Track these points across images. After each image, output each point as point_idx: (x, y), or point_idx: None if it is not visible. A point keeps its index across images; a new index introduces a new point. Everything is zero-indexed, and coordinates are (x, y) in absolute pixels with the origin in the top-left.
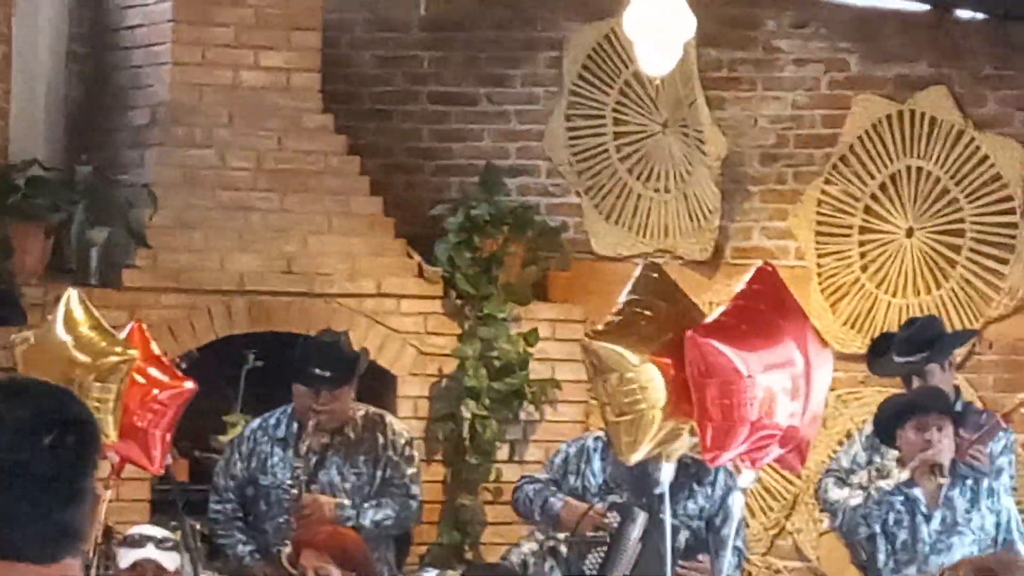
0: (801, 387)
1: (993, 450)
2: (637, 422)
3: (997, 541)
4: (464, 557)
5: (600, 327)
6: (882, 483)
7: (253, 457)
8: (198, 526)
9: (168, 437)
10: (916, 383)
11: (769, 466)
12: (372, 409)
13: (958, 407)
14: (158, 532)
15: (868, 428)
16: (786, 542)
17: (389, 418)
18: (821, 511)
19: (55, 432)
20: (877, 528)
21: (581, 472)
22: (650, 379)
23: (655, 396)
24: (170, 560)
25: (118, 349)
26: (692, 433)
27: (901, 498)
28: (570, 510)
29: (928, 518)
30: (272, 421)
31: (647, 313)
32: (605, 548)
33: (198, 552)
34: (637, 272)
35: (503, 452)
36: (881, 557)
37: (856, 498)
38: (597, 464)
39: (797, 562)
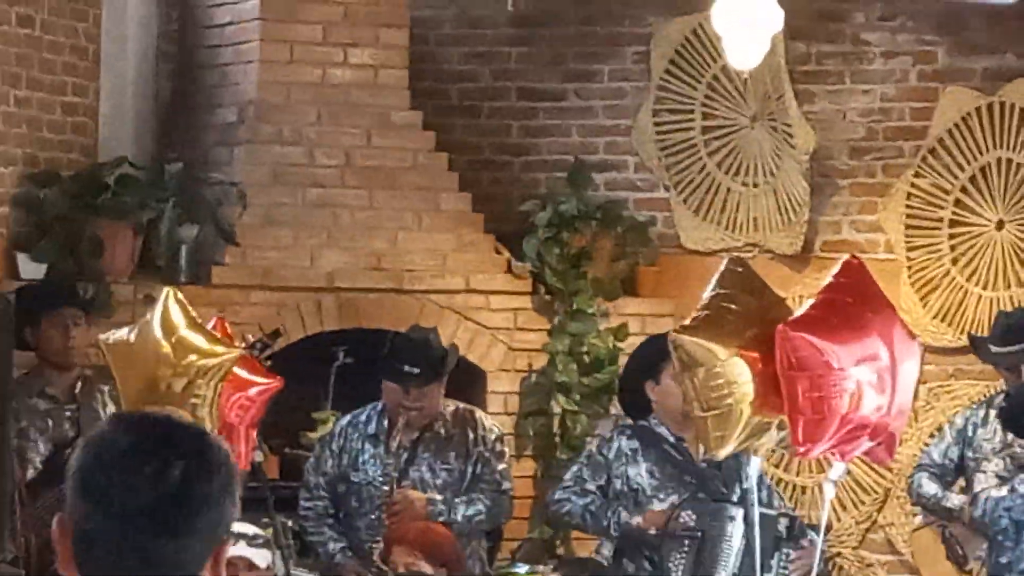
0: (887, 380)
1: None
2: (725, 417)
3: None
4: (555, 552)
5: (687, 322)
6: None
7: (344, 454)
8: (289, 523)
9: (253, 433)
10: (1007, 377)
11: (861, 460)
12: (462, 405)
13: None
14: (249, 529)
15: (959, 421)
16: (878, 536)
17: (479, 414)
18: (913, 505)
19: (158, 462)
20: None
21: (624, 475)
22: (738, 374)
23: (743, 391)
24: (261, 557)
25: (220, 348)
26: (780, 427)
27: None
28: (651, 518)
29: None
30: (363, 418)
31: (733, 307)
32: (687, 548)
33: (289, 549)
34: (722, 267)
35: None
36: (1010, 545)
37: (997, 490)
38: (643, 465)
39: (889, 556)
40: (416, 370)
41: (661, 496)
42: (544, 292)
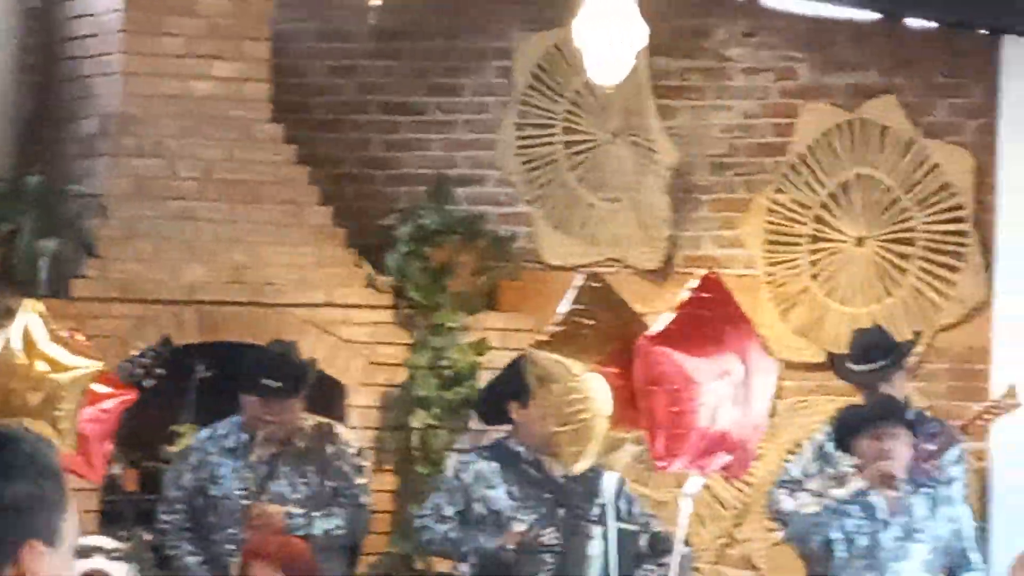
0: (742, 395)
1: (946, 460)
2: (581, 432)
3: (953, 549)
4: (414, 567)
5: (542, 337)
6: (838, 492)
7: (202, 468)
8: (147, 536)
9: (109, 445)
10: (884, 390)
11: (718, 475)
12: (321, 419)
13: (910, 416)
14: (107, 542)
15: (819, 438)
16: (736, 552)
17: (338, 428)
18: (772, 520)
19: None
20: (834, 535)
21: (484, 498)
22: (593, 388)
23: (598, 406)
24: (119, 570)
25: (80, 361)
26: (636, 442)
27: (858, 506)
28: (510, 537)
29: (887, 525)
30: (221, 431)
31: (589, 323)
32: (550, 566)
33: (147, 562)
34: (578, 282)
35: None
36: (837, 564)
37: (810, 506)
38: (501, 488)
39: (747, 572)
40: (276, 384)
41: (521, 515)
42: (405, 306)
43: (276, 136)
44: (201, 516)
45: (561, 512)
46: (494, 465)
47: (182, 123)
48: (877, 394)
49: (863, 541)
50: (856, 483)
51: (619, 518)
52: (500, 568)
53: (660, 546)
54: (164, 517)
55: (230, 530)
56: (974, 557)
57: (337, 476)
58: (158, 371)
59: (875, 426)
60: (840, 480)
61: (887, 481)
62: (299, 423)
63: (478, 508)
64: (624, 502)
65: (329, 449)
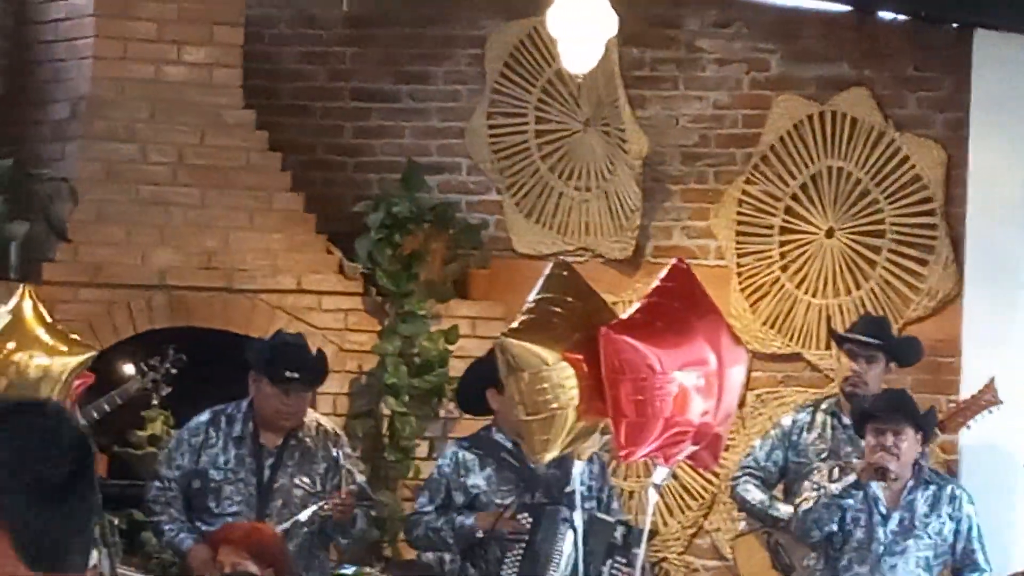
0: (714, 385)
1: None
2: (550, 421)
3: (956, 548)
4: (383, 554)
5: (514, 325)
6: (832, 486)
7: (203, 451)
8: (116, 521)
9: None
10: (861, 366)
11: (686, 465)
12: (323, 419)
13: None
14: None
15: (785, 422)
16: (704, 541)
17: (339, 431)
18: (739, 511)
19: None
20: (834, 528)
21: (463, 486)
22: (564, 377)
23: (568, 395)
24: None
25: (76, 349)
26: (604, 431)
27: (851, 500)
28: (483, 519)
29: (886, 519)
30: (225, 417)
31: (559, 311)
32: (520, 549)
33: (115, 547)
34: (547, 270)
35: (422, 449)
36: (832, 556)
37: (808, 502)
38: (480, 475)
39: (715, 561)
40: (298, 375)
41: (497, 500)
42: (375, 293)
43: (247, 122)
44: (198, 499)
45: (536, 498)
46: (473, 454)
47: (153, 108)
48: (889, 389)
49: (859, 533)
50: (849, 477)
51: (597, 509)
52: (473, 546)
53: (632, 539)
54: (156, 492)
55: (230, 515)
56: (980, 558)
57: (345, 479)
58: (166, 389)
59: (878, 420)
60: (846, 469)
61: (879, 475)
62: (304, 418)
63: (459, 498)
64: (607, 492)
65: (333, 451)
